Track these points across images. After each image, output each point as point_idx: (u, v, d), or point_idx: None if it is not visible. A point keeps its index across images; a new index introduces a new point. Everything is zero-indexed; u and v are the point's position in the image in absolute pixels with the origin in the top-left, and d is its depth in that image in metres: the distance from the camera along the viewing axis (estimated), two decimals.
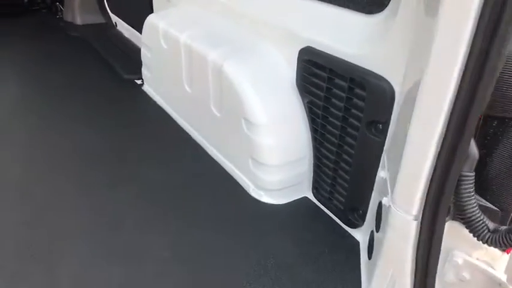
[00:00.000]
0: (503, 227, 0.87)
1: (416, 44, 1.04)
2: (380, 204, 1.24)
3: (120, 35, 3.71)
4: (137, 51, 3.09)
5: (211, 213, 1.61)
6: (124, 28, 3.66)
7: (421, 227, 0.97)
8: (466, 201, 0.87)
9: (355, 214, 1.50)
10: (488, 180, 0.93)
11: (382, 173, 1.25)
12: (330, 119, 1.44)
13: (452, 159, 0.85)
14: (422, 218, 0.96)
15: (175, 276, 1.34)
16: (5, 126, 2.24)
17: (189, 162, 1.93)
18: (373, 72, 1.22)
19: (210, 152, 1.96)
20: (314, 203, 1.69)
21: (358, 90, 1.28)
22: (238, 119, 1.62)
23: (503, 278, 0.97)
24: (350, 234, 1.54)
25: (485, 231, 0.87)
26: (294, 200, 1.70)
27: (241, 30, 1.78)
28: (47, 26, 4.06)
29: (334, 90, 1.38)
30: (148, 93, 2.56)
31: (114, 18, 3.83)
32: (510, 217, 0.94)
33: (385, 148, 1.28)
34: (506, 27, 0.70)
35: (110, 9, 3.87)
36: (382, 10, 1.24)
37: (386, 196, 1.15)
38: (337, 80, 1.35)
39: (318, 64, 1.40)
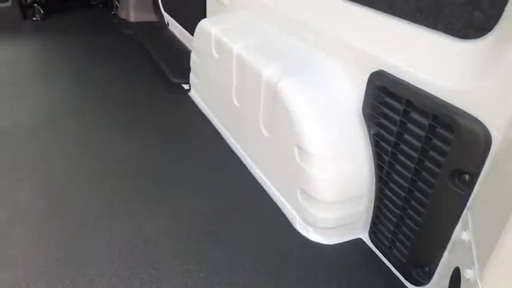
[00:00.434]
0: None
1: None
2: (457, 272, 1.01)
3: (171, 35, 3.63)
4: (187, 53, 2.97)
5: (252, 245, 1.44)
6: (176, 28, 3.57)
7: None
8: None
9: (419, 271, 1.27)
10: None
11: (463, 235, 1.02)
12: (401, 158, 1.21)
13: None
14: None
15: None
16: (48, 124, 2.19)
17: (231, 182, 1.77)
18: (465, 112, 0.99)
19: (253, 172, 1.79)
20: (369, 247, 1.47)
21: (442, 131, 1.05)
22: (290, 145, 1.43)
23: None
24: None
25: None
26: (346, 241, 1.49)
27: (302, 44, 1.59)
28: (101, 22, 4.08)
29: (410, 125, 1.15)
30: (195, 100, 2.42)
31: (167, 17, 3.77)
32: None
33: (469, 204, 1.04)
34: None
35: (163, 8, 3.80)
36: (482, 35, 1.00)
37: (469, 267, 0.92)
38: (415, 115, 1.13)
39: (393, 93, 1.18)
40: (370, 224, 1.44)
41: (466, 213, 1.05)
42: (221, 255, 1.40)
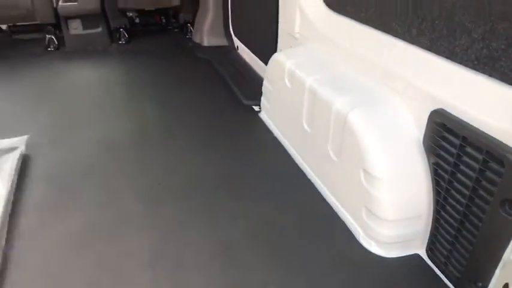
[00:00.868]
0: None
1: None
2: None
3: (240, 58, 3.97)
4: (255, 76, 3.29)
5: (320, 254, 1.67)
6: (245, 52, 3.90)
7: None
8: None
9: (473, 286, 1.43)
10: None
11: None
12: (457, 185, 1.40)
13: None
14: None
15: None
16: (125, 143, 2.54)
17: (298, 199, 2.01)
18: None
19: (320, 190, 2.02)
20: (426, 262, 1.65)
21: (494, 165, 1.23)
22: (357, 169, 1.65)
23: None
24: None
25: None
26: (405, 256, 1.67)
27: (370, 80, 1.81)
28: (177, 45, 4.51)
29: (466, 158, 1.34)
30: (265, 121, 2.70)
31: (237, 42, 4.11)
32: None
33: None
34: None
35: (234, 34, 4.15)
36: None
37: None
38: (470, 149, 1.32)
39: (451, 129, 1.38)
40: (428, 241, 1.62)
41: None
42: (297, 257, 1.64)
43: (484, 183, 1.28)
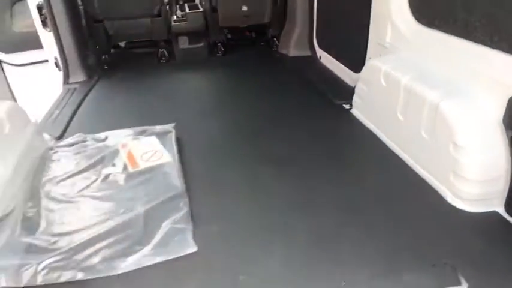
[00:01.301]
0: None
1: None
2: None
3: (322, 66, 4.58)
4: (338, 80, 3.89)
5: (416, 209, 2.21)
6: (327, 61, 4.51)
7: None
8: None
9: None
10: None
11: None
12: None
13: None
14: None
15: None
16: (238, 129, 3.20)
17: (396, 173, 2.55)
18: None
19: (412, 166, 2.55)
20: (504, 217, 2.12)
21: None
22: (446, 142, 2.18)
23: None
24: None
25: None
26: (486, 211, 2.16)
27: (456, 77, 2.34)
28: (265, 56, 5.24)
29: None
30: (356, 116, 3.28)
31: (319, 52, 4.73)
32: None
33: None
34: None
35: (317, 45, 4.78)
36: None
37: None
38: None
39: None
40: (506, 199, 2.10)
41: None
42: (403, 211, 2.19)
43: None
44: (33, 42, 5.08)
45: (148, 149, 2.81)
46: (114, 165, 2.68)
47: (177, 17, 5.12)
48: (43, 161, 2.80)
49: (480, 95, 2.16)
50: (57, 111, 3.78)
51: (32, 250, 2.01)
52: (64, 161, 2.81)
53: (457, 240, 1.99)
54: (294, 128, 3.22)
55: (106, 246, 2.01)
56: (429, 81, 2.42)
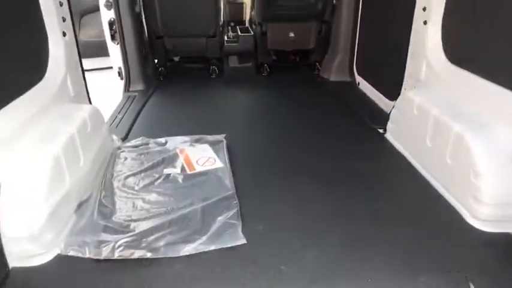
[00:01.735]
0: None
1: None
2: None
3: (360, 92, 4.91)
4: (375, 106, 4.22)
5: (438, 228, 2.50)
6: (365, 87, 4.84)
7: None
8: None
9: None
10: None
11: None
12: None
13: None
14: None
15: None
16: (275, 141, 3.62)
17: (420, 193, 2.86)
18: None
19: (436, 187, 2.85)
20: None
21: None
22: (467, 169, 2.48)
23: None
24: None
25: None
26: (500, 232, 2.43)
27: (479, 110, 2.65)
28: (307, 79, 5.64)
29: None
30: (390, 140, 3.60)
31: (358, 79, 5.08)
32: None
33: None
34: None
35: (356, 71, 5.14)
36: None
37: None
38: None
39: None
40: None
41: None
42: (424, 227, 2.50)
43: None
44: (95, 51, 5.76)
45: (203, 155, 3.26)
46: (174, 166, 3.13)
47: (228, 37, 5.63)
48: (113, 158, 3.29)
49: (499, 130, 2.46)
50: (120, 116, 4.31)
51: (108, 231, 2.44)
52: (130, 160, 3.29)
53: (471, 255, 2.28)
54: (331, 146, 3.58)
55: (169, 233, 2.42)
56: (456, 114, 2.73)
